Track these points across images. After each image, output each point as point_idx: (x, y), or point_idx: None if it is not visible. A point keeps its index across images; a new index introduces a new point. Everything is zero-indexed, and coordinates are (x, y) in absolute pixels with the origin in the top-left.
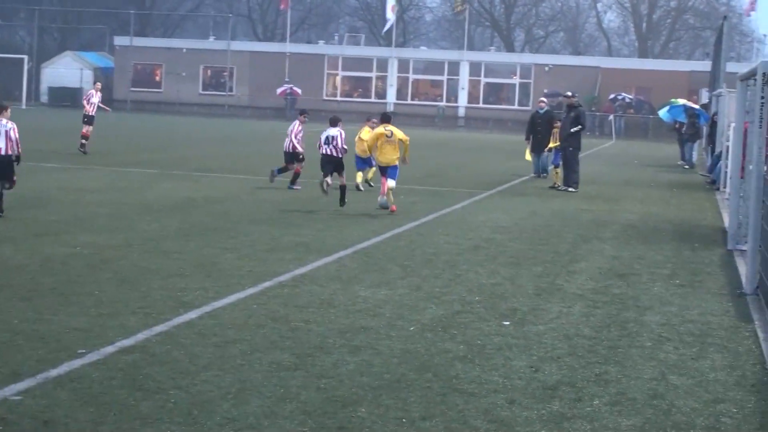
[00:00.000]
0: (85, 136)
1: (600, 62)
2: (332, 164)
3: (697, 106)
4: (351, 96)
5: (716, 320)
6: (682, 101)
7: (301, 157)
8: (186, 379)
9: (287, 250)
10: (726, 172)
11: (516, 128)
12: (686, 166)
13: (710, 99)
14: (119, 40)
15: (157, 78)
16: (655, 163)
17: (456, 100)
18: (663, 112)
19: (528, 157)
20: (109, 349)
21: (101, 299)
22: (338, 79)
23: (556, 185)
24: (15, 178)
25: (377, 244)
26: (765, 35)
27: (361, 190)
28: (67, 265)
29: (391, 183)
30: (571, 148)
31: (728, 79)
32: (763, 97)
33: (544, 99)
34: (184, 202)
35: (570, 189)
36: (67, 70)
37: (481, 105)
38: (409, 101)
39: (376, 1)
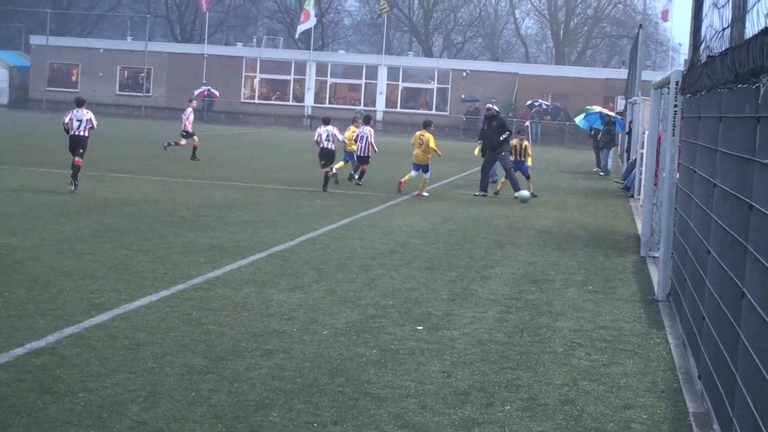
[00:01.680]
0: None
1: (518, 68)
2: (330, 156)
3: (613, 114)
4: (269, 99)
5: (628, 326)
6: (597, 108)
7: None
8: (96, 381)
9: (202, 253)
10: (640, 180)
11: (435, 133)
12: (602, 173)
13: (626, 106)
14: (35, 39)
15: (74, 78)
16: (571, 169)
17: (374, 104)
18: (579, 119)
19: (476, 153)
20: (18, 351)
21: (11, 301)
22: (256, 81)
23: (494, 192)
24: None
25: (293, 247)
26: (680, 44)
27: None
28: None
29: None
30: (503, 153)
31: (643, 87)
32: (675, 106)
33: (491, 105)
34: (99, 203)
35: (523, 194)
36: None
37: (399, 109)
38: (327, 105)
39: (294, 4)
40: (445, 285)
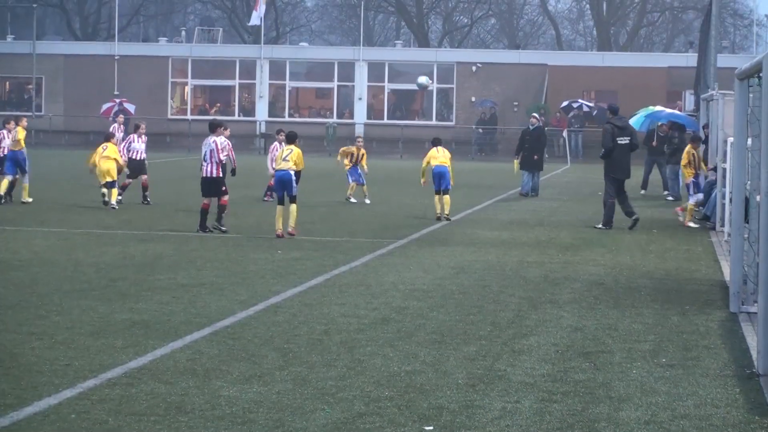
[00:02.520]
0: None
1: (547, 58)
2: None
3: (682, 114)
4: (206, 113)
5: (720, 414)
6: (659, 109)
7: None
8: None
9: (119, 334)
10: (723, 205)
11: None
12: (670, 198)
13: (698, 105)
14: None
15: None
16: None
17: (351, 116)
18: (637, 118)
19: (516, 169)
20: None
21: None
22: (188, 90)
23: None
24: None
25: (246, 320)
26: (767, 16)
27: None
28: None
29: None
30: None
31: (721, 77)
32: None
33: (536, 115)
34: None
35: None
36: None
37: (385, 121)
38: (286, 118)
39: None
40: (461, 365)
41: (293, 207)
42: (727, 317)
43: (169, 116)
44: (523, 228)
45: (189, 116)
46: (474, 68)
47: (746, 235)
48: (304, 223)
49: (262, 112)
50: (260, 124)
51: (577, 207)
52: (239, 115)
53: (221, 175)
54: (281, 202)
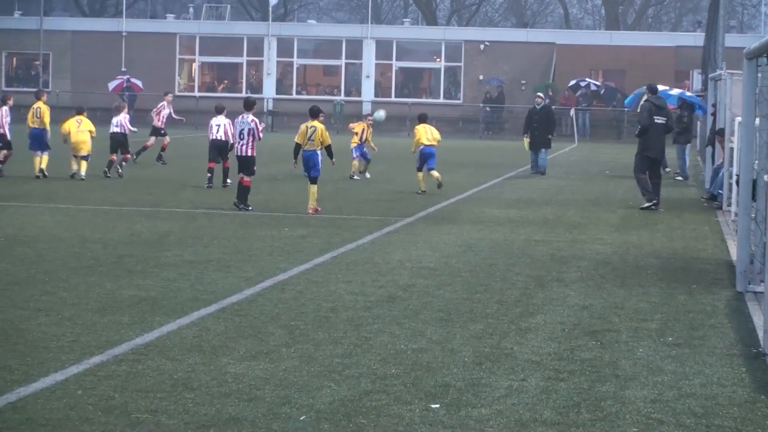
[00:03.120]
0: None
1: (555, 37)
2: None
3: (690, 94)
4: (214, 90)
5: (726, 393)
6: (668, 89)
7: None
8: None
9: (125, 310)
10: (730, 185)
11: (443, 129)
12: (678, 177)
13: (706, 84)
14: None
15: None
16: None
17: (359, 93)
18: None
19: (527, 146)
20: None
21: None
22: (195, 66)
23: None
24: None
25: (252, 297)
26: None
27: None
28: None
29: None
30: None
31: (729, 57)
32: None
33: (541, 94)
34: None
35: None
36: None
37: (393, 99)
38: (294, 95)
39: None
40: (468, 343)
41: (314, 188)
42: (734, 296)
43: (177, 93)
44: (530, 206)
45: (197, 93)
46: (482, 47)
47: (753, 215)
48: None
49: (269, 89)
50: (267, 102)
51: (584, 186)
52: (247, 92)
53: (253, 154)
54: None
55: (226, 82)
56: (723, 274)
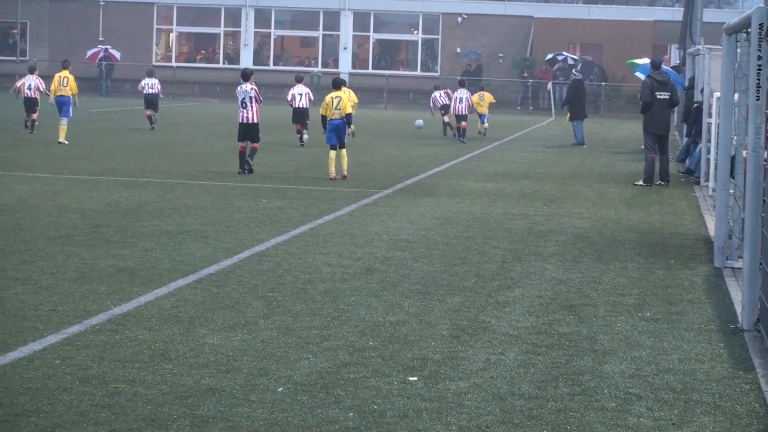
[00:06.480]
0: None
1: (532, 10)
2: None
3: (668, 68)
4: (191, 60)
5: (704, 368)
6: (646, 62)
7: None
8: None
9: (103, 280)
10: (708, 160)
11: (420, 101)
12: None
13: (684, 59)
14: None
15: None
16: (610, 147)
17: (336, 65)
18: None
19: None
20: None
21: None
22: (173, 37)
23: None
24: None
25: (230, 268)
26: None
27: None
28: None
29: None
30: None
31: (707, 32)
32: (760, 57)
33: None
34: None
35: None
36: None
37: (370, 71)
38: (270, 66)
39: None
40: (446, 316)
41: (344, 152)
42: (712, 272)
43: (153, 63)
44: (507, 180)
45: (174, 63)
46: (459, 19)
47: (731, 191)
48: (286, 172)
49: (246, 59)
50: None
51: (561, 159)
52: (224, 63)
53: (258, 121)
54: (334, 148)
55: (203, 52)
56: (701, 249)
